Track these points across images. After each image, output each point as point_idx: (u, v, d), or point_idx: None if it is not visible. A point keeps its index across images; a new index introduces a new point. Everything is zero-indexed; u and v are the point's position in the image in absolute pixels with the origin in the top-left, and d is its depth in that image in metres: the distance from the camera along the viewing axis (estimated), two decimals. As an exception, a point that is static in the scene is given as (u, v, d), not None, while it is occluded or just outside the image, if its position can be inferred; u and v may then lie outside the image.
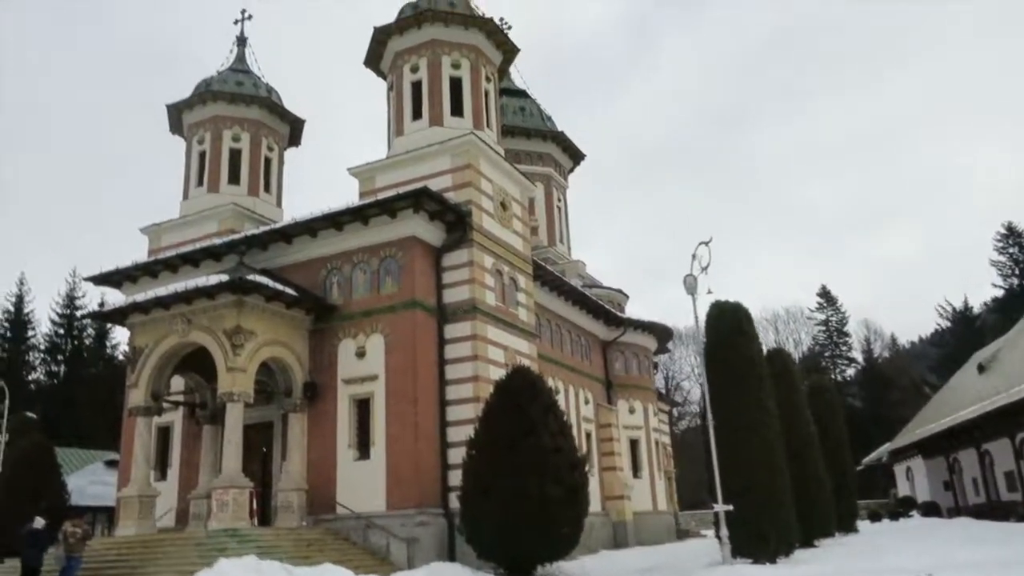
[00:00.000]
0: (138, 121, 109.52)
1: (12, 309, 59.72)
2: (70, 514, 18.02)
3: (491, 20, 26.63)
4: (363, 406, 21.17)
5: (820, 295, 74.17)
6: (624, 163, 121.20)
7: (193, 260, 24.38)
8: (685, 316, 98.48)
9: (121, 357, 60.75)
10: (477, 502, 16.93)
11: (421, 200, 21.44)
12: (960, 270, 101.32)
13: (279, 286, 20.93)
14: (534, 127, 40.47)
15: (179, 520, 22.52)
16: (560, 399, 22.83)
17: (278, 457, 22.21)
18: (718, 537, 18.01)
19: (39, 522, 16.80)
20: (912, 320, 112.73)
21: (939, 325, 73.37)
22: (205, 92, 29.63)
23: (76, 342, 61.93)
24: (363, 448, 20.81)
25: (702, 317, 19.96)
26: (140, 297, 21.47)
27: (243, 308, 20.01)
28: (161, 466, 24.04)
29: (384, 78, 27.81)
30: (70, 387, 57.85)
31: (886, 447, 49.37)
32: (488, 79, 26.85)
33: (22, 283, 60.49)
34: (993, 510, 33.12)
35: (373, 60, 27.58)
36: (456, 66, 25.96)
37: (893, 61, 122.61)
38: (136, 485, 20.50)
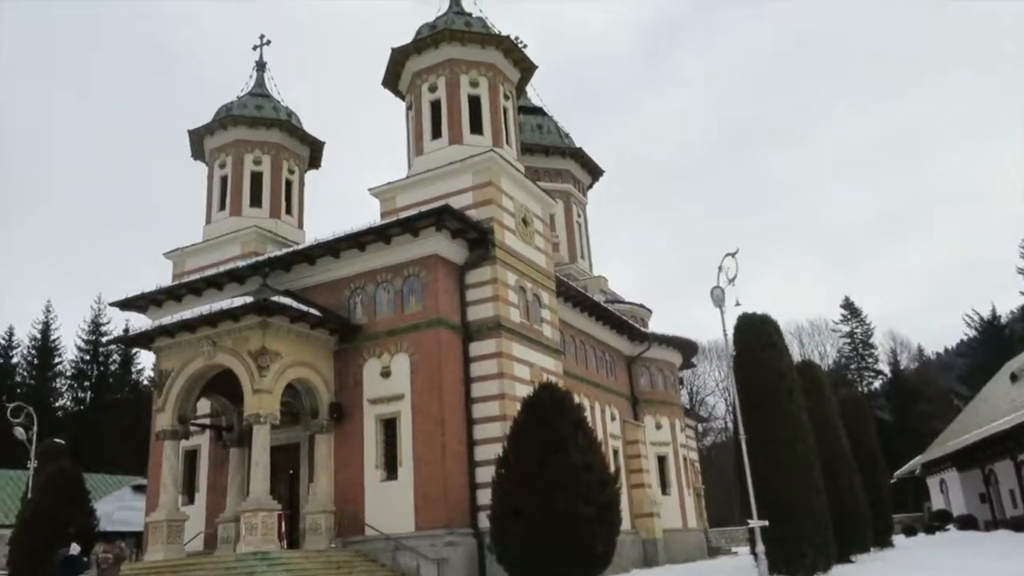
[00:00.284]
0: (160, 147, 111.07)
1: (39, 336, 60.47)
2: (102, 539, 18.00)
3: (508, 38, 26.72)
4: (389, 426, 21.06)
5: (844, 307, 73.43)
6: (641, 179, 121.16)
7: (217, 283, 24.47)
8: (706, 331, 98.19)
9: (146, 382, 61.19)
10: (508, 522, 16.67)
11: (443, 218, 21.41)
12: (986, 279, 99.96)
13: (303, 307, 20.94)
14: (552, 144, 40.48)
15: (208, 544, 22.43)
16: (587, 416, 22.58)
17: (305, 479, 22.11)
18: (753, 554, 17.64)
19: (74, 548, 16.86)
20: (939, 330, 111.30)
21: (966, 335, 72.31)
22: (226, 117, 29.93)
23: (102, 368, 62.52)
24: (390, 468, 20.67)
25: (729, 330, 19.67)
26: (166, 320, 21.57)
27: (268, 329, 20.02)
28: (189, 490, 23.99)
29: (403, 98, 27.94)
30: (96, 413, 58.36)
31: (918, 460, 48.47)
32: (506, 96, 26.89)
33: (48, 310, 61.29)
34: (1032, 522, 32.30)
35: (391, 81, 27.72)
36: (474, 84, 26.02)
37: (912, 69, 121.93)
38: (164, 509, 20.46)
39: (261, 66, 32.34)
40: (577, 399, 20.19)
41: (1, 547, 32.95)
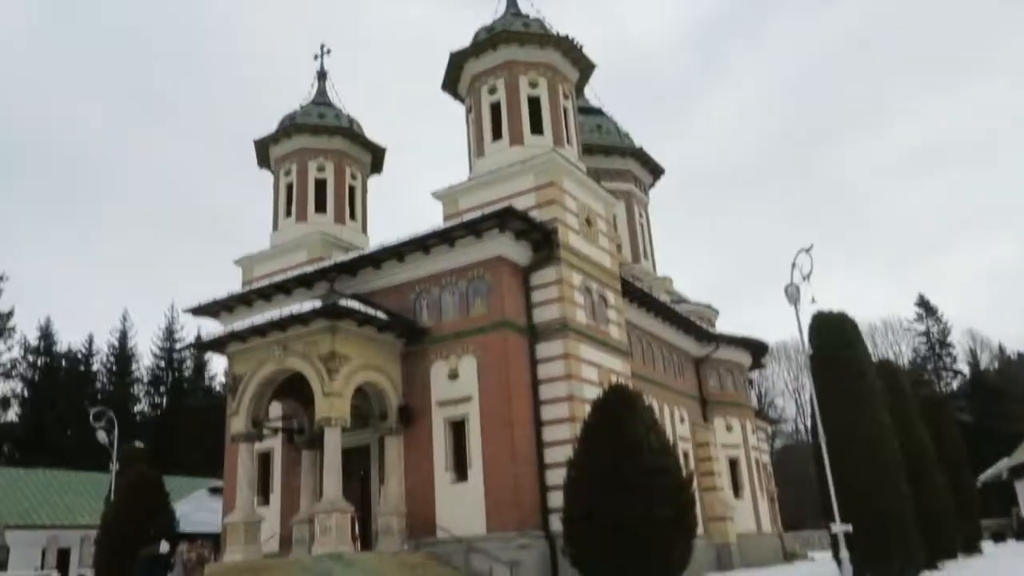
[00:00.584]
0: (226, 157, 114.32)
1: (116, 344, 62.87)
2: (185, 540, 18.43)
3: (566, 38, 26.50)
4: (458, 428, 21.04)
5: (919, 305, 70.85)
6: (702, 179, 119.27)
7: (286, 288, 24.87)
8: (772, 332, 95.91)
9: (218, 388, 63.02)
10: (581, 525, 16.46)
11: (506, 219, 21.34)
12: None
13: (370, 311, 21.11)
14: (612, 144, 40.06)
15: (283, 545, 22.77)
16: (656, 418, 22.19)
17: (376, 481, 22.29)
18: (836, 559, 17.01)
19: (164, 546, 17.33)
20: (1020, 329, 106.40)
21: (1051, 332, 68.92)
22: (290, 126, 30.52)
23: (176, 374, 64.69)
24: (460, 470, 20.65)
25: (804, 328, 19.07)
26: (238, 326, 22.02)
27: (336, 333, 20.22)
28: (263, 491, 24.38)
29: (462, 101, 28.00)
30: (172, 418, 60.34)
31: (1005, 463, 46.24)
32: (566, 96, 26.69)
33: (125, 319, 63.67)
34: None
35: (451, 84, 27.81)
36: (533, 85, 25.90)
37: (985, 57, 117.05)
38: (241, 511, 20.84)
39: (322, 75, 32.86)
40: (646, 401, 19.89)
41: (87, 547, 34.25)
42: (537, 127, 25.32)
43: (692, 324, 31.25)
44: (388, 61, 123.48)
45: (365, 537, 20.83)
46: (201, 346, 25.23)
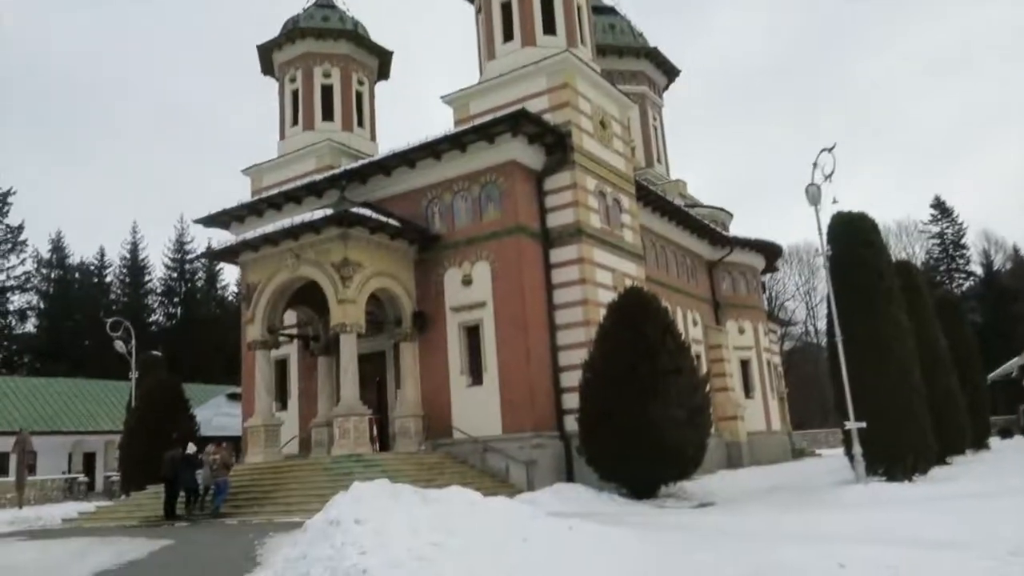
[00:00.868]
0: (229, 65, 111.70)
1: (128, 256, 63.02)
2: (210, 443, 18.87)
3: (578, -69, 25.12)
4: (473, 333, 21.14)
5: (934, 206, 69.82)
6: (717, 81, 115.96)
7: (296, 197, 24.61)
8: (784, 235, 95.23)
9: (230, 298, 63.52)
10: (597, 425, 16.71)
11: (519, 123, 20.81)
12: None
13: (382, 218, 20.90)
14: (626, 44, 38.76)
15: (302, 447, 23.35)
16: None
17: (392, 386, 22.61)
18: (848, 455, 17.28)
19: (191, 447, 17.77)
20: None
21: (1067, 233, 68.08)
22: (293, 30, 29.55)
23: (189, 285, 65.09)
24: (475, 374, 20.87)
25: (821, 229, 18.77)
26: (249, 235, 21.88)
27: (349, 241, 20.10)
28: (281, 397, 24.81)
29: (471, 1, 26.89)
30: (186, 327, 61.07)
31: (1015, 361, 46.70)
32: (580, -8, 25.53)
33: (135, 230, 63.61)
34: None
35: (460, -19, 26.63)
36: (546, -20, 24.75)
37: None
38: (261, 416, 21.29)
39: (325, -25, 31.53)
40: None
41: (111, 451, 35.32)
42: (550, 27, 24.34)
43: (707, 227, 30.94)
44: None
45: (383, 439, 21.27)
46: (214, 255, 25.14)
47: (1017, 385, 51.41)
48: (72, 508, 23.24)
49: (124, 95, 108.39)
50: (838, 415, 17.16)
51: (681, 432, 16.19)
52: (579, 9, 25.33)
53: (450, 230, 22.04)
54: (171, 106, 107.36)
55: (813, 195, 17.71)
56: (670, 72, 41.24)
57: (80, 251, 78.18)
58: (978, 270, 68.90)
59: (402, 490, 9.98)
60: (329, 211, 19.99)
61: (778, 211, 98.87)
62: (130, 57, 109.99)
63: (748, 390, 31.43)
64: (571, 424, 19.25)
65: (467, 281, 21.39)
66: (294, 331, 24.48)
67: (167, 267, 64.26)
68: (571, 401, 19.28)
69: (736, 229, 35.89)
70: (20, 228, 56.73)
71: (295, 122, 29.38)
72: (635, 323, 16.85)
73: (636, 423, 15.83)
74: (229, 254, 23.18)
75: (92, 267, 62.34)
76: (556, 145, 21.86)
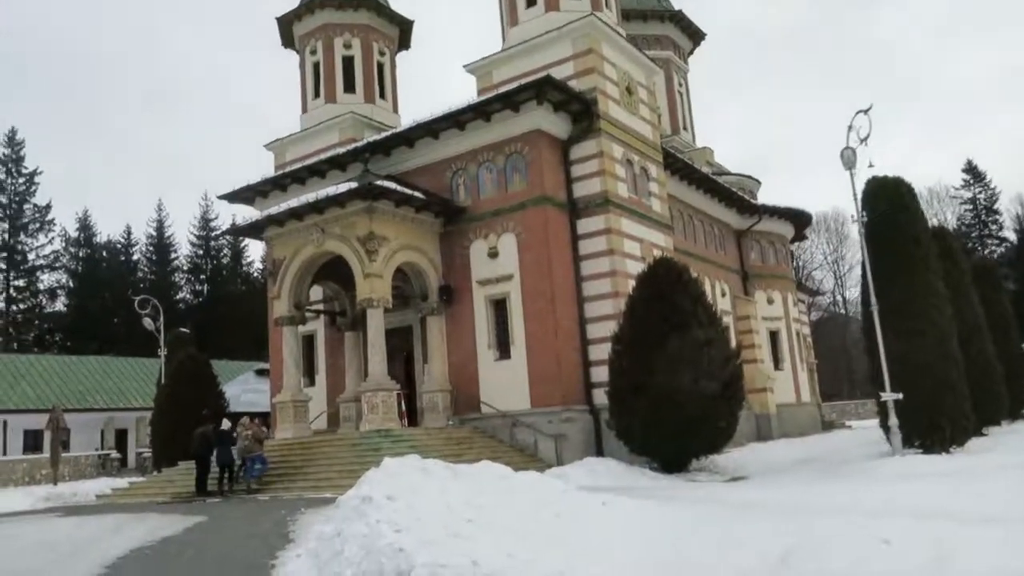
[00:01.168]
0: (250, 38, 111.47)
1: (155, 234, 63.52)
2: (242, 418, 18.92)
3: None
4: (500, 306, 20.94)
5: (966, 171, 68.19)
6: (740, 43, 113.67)
7: (319, 171, 24.43)
8: (813, 203, 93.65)
9: (256, 274, 63.92)
10: (628, 399, 16.47)
11: (544, 90, 20.38)
12: None
13: (407, 190, 20.66)
14: (650, 8, 37.99)
15: (330, 422, 23.40)
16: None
17: (419, 360, 22.52)
18: (884, 427, 16.92)
19: (226, 423, 17.85)
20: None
21: (1104, 197, 66.14)
22: (312, 0, 29.14)
23: (215, 262, 65.55)
24: (503, 348, 20.69)
25: (856, 194, 18.22)
26: (273, 210, 21.77)
27: (374, 214, 19.91)
28: (309, 372, 24.86)
29: (492, -34, 26.32)
30: (213, 304, 61.64)
31: (1050, 329, 45.65)
32: (604, -48, 24.87)
33: (160, 208, 64.06)
34: None
35: (480, -54, 26.05)
36: (568, -60, 24.09)
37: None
38: (289, 391, 21.31)
39: (343, -56, 31.00)
40: (691, 274, 19.40)
41: (143, 427, 35.79)
42: (575, -10, 23.75)
43: (735, 196, 30.35)
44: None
45: (411, 414, 21.23)
46: (239, 231, 25.07)
47: (1053, 353, 50.30)
48: (106, 484, 23.56)
49: (148, 71, 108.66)
50: (872, 386, 16.77)
51: (713, 404, 15.92)
52: (604, -31, 24.69)
53: (475, 202, 21.77)
54: (194, 81, 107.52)
55: (848, 159, 17.17)
56: (695, 36, 40.41)
57: (107, 230, 79.09)
58: (1011, 236, 67.38)
59: (433, 465, 9.86)
60: (353, 184, 19.79)
61: (805, 178, 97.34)
62: (154, 32, 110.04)
63: (777, 361, 30.99)
64: (600, 398, 19.05)
65: (493, 254, 21.14)
66: (320, 307, 24.43)
67: (193, 244, 64.78)
68: (600, 374, 19.05)
69: (764, 197, 35.25)
70: (48, 207, 57.41)
71: (317, 95, 29.15)
72: (665, 294, 16.53)
73: (667, 396, 15.58)
74: (254, 229, 23.11)
75: (119, 245, 62.99)
76: (582, 113, 21.44)
